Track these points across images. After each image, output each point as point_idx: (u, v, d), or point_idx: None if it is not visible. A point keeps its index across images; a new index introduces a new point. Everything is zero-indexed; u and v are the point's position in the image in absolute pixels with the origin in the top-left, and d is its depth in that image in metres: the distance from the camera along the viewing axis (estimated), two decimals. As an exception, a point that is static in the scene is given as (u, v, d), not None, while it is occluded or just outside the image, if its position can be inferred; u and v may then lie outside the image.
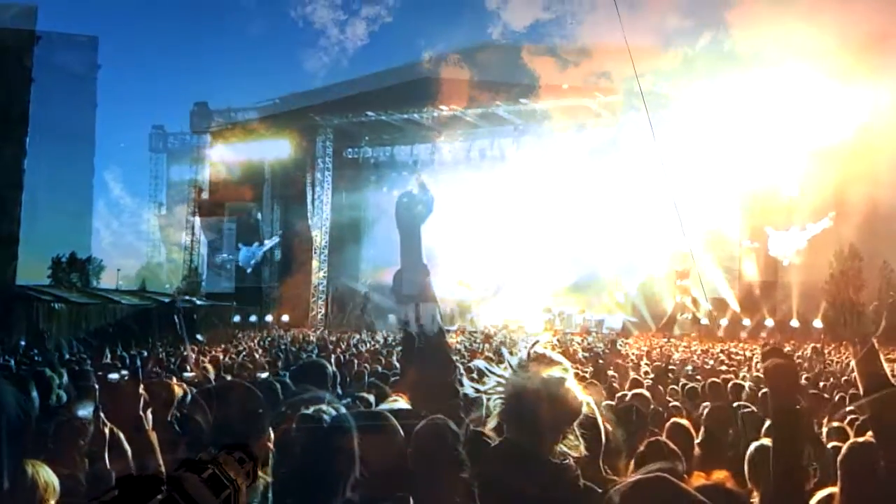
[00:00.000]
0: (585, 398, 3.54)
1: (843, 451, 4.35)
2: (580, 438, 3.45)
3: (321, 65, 52.20)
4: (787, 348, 26.82)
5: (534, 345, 3.71)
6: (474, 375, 3.76)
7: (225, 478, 1.97)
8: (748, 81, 38.88)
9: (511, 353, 3.78)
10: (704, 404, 8.85)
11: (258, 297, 53.70)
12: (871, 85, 35.93)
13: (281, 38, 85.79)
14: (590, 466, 3.70)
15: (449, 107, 48.96)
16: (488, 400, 3.65)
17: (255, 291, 54.28)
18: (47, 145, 61.50)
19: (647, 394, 9.37)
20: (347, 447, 3.24)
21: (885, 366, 4.18)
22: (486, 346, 25.65)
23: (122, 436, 4.84)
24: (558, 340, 29.89)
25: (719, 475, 4.22)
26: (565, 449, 3.40)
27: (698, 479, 4.17)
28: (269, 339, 33.08)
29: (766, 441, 5.30)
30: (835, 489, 4.31)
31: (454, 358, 6.39)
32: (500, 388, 3.62)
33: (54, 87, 58.94)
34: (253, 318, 49.04)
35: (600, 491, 3.40)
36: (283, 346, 25.26)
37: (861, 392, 4.19)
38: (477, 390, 3.76)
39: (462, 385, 4.20)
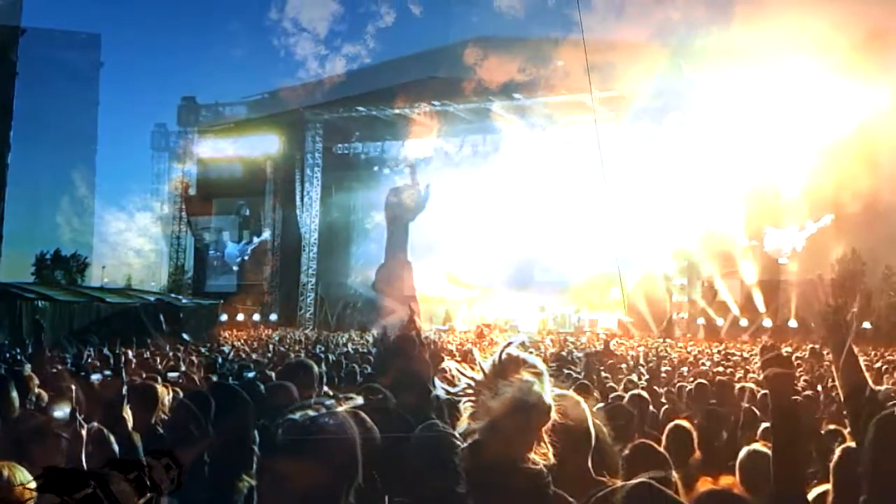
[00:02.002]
0: (553, 401, 3.52)
1: (836, 455, 4.35)
2: (549, 446, 3.42)
3: (295, 95, 53.03)
4: (786, 349, 26.88)
5: (505, 347, 3.68)
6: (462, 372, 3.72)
7: (149, 481, 2.00)
8: (747, 79, 38.93)
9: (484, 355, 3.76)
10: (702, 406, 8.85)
11: (260, 295, 53.81)
12: (871, 82, 35.98)
13: (261, 65, 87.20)
14: (578, 470, 3.69)
15: (441, 102, 48.99)
16: (459, 403, 3.64)
17: (255, 289, 54.44)
18: (50, 143, 61.75)
19: (647, 395, 9.36)
20: (350, 450, 3.22)
21: (864, 371, 4.20)
22: (478, 345, 25.52)
23: (111, 437, 4.82)
24: (551, 340, 29.87)
25: (727, 481, 4.21)
26: (535, 457, 3.38)
27: (705, 485, 4.16)
28: (256, 338, 33.02)
29: (759, 445, 5.30)
30: (827, 486, 4.31)
31: (443, 357, 6.36)
32: (469, 391, 3.59)
33: (55, 84, 59.05)
34: (240, 317, 48.96)
35: (572, 500, 3.38)
36: (270, 346, 25.21)
37: (841, 395, 4.20)
38: (448, 392, 3.74)
39: (434, 387, 4.18)
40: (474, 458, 3.31)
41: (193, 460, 3.71)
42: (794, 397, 3.98)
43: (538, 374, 3.56)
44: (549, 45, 44.28)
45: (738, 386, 12.22)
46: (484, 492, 3.26)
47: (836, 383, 4.38)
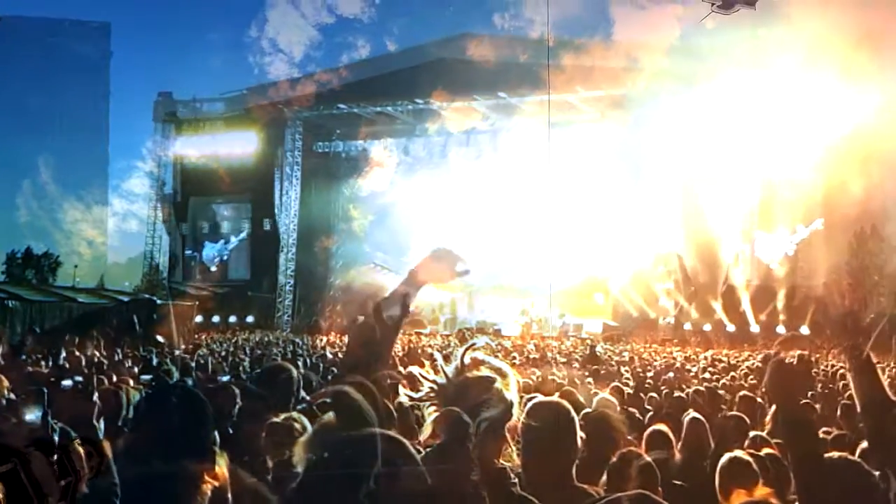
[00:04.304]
0: (516, 399, 3.54)
1: None
2: (514, 448, 3.44)
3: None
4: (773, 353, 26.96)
5: (467, 349, 3.69)
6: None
7: (70, 466, 2.03)
8: (739, 81, 38.98)
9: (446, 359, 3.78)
10: (688, 414, 8.89)
11: (237, 297, 53.71)
12: (865, 84, 36.04)
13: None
14: (559, 476, 3.70)
15: (424, 101, 49.01)
16: (422, 408, 3.65)
17: (232, 290, 54.42)
18: (59, 136, 61.87)
19: (614, 400, 9.40)
20: (371, 441, 3.26)
21: (883, 379, 4.15)
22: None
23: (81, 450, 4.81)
24: (535, 345, 29.90)
25: (762, 492, 4.20)
26: (502, 462, 3.39)
27: (740, 497, 4.16)
28: (232, 340, 32.94)
29: (740, 453, 5.32)
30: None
31: (423, 361, 6.36)
32: (432, 396, 3.61)
33: (65, 76, 59.23)
34: (216, 319, 48.78)
35: (535, 501, 3.40)
36: (246, 348, 25.16)
37: (858, 407, 4.17)
38: (411, 398, 3.75)
39: (397, 393, 4.19)
40: (436, 460, 3.32)
41: (152, 462, 3.72)
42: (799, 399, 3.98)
43: (502, 375, 3.58)
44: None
45: (723, 392, 12.31)
46: (445, 490, 3.27)
47: (853, 392, 4.32)
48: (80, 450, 2.14)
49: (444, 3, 57.22)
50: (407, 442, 3.41)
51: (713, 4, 7.40)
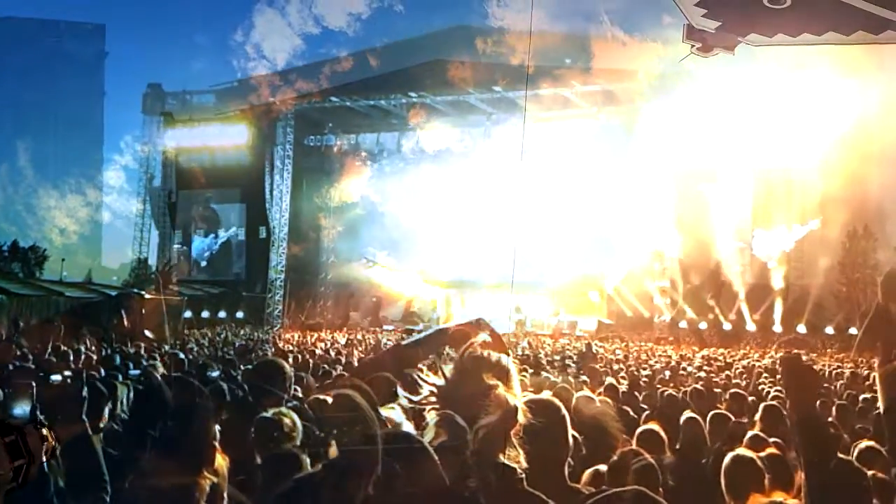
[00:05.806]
0: (520, 404, 3.51)
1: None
2: (520, 449, 3.41)
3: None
4: (772, 354, 27.02)
5: (466, 348, 3.66)
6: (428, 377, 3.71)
7: (25, 448, 2.03)
8: (735, 78, 38.94)
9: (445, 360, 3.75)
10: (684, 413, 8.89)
11: (227, 292, 53.55)
12: (864, 80, 35.96)
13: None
14: (552, 476, 3.68)
15: (418, 94, 48.94)
16: (423, 411, 3.62)
17: (221, 285, 54.28)
18: (55, 132, 61.95)
19: (594, 396, 9.40)
20: (371, 441, 3.26)
21: None
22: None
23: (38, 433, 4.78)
24: (529, 343, 29.86)
25: (778, 496, 4.18)
26: (504, 460, 3.37)
27: (757, 501, 4.15)
28: (221, 335, 32.88)
29: (743, 450, 5.31)
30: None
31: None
32: (432, 399, 3.57)
33: (61, 74, 59.40)
34: (205, 314, 48.65)
35: (543, 497, 3.38)
36: (236, 344, 25.13)
37: (882, 409, 4.09)
38: (410, 401, 3.73)
39: (397, 396, 4.17)
40: (439, 458, 3.30)
41: (152, 457, 3.70)
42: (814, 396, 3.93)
43: (504, 374, 3.54)
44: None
45: (720, 391, 12.33)
46: (449, 487, 3.25)
47: (879, 396, 4.21)
48: (37, 433, 2.14)
49: (430, 22, 57.52)
50: (426, 443, 3.39)
51: (692, 46, 7.43)
